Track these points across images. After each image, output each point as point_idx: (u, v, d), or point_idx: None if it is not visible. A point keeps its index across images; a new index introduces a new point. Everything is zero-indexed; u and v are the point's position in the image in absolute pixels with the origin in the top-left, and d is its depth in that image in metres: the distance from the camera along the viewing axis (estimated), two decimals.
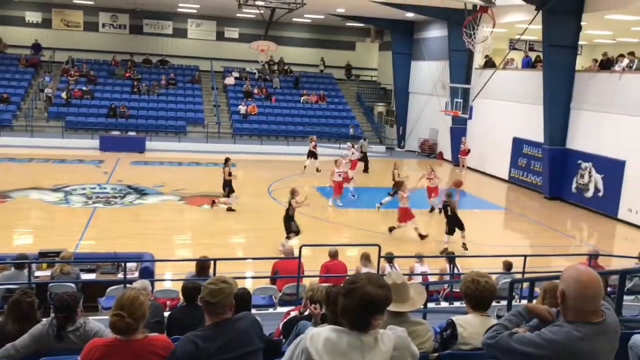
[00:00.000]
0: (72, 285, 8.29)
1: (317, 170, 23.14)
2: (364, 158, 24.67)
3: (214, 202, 16.86)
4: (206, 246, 12.98)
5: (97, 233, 14.11)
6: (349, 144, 24.19)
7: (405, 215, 14.86)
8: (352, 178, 19.46)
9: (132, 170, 22.07)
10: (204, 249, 11.93)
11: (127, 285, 7.71)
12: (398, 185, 15.96)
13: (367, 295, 2.52)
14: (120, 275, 9.09)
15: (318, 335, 2.58)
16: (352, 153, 22.51)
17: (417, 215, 15.33)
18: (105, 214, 15.92)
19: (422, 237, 14.91)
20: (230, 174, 16.69)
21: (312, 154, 23.62)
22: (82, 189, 18.35)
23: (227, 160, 17.07)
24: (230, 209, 16.71)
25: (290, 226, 13.61)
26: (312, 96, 33.00)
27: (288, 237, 13.35)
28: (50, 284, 8.45)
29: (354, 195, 18.96)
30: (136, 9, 33.87)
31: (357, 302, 2.52)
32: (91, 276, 9.37)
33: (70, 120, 27.73)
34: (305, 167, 23.41)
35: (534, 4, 18.75)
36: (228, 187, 16.74)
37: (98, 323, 4.45)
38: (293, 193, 13.79)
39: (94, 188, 18.63)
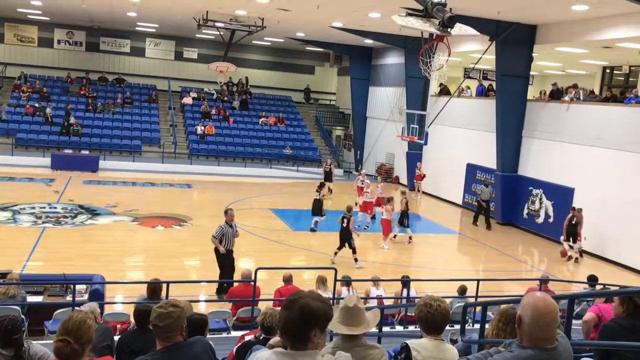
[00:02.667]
0: (17, 308, 7.98)
1: (330, 191, 23.69)
2: (485, 210, 20.56)
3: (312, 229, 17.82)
4: (159, 268, 12.72)
5: (45, 254, 13.67)
6: (363, 171, 22.92)
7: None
8: (357, 204, 19.57)
9: (84, 190, 21.56)
10: (157, 272, 11.68)
11: (75, 308, 7.47)
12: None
13: (307, 307, 2.58)
14: (68, 298, 8.80)
15: (262, 359, 2.66)
16: (362, 182, 21.12)
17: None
18: (55, 234, 15.46)
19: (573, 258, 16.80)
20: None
21: (328, 176, 24.26)
22: (32, 208, 17.81)
23: (322, 184, 18.75)
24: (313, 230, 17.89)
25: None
26: (271, 118, 33.04)
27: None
28: None
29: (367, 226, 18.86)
30: (93, 27, 33.43)
31: (297, 313, 2.57)
32: (38, 298, 9.05)
33: (20, 137, 26.99)
34: (330, 190, 23.75)
35: (488, 35, 19.34)
36: (319, 209, 17.80)
37: (42, 347, 4.30)
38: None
39: (44, 207, 18.10)
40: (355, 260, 14.52)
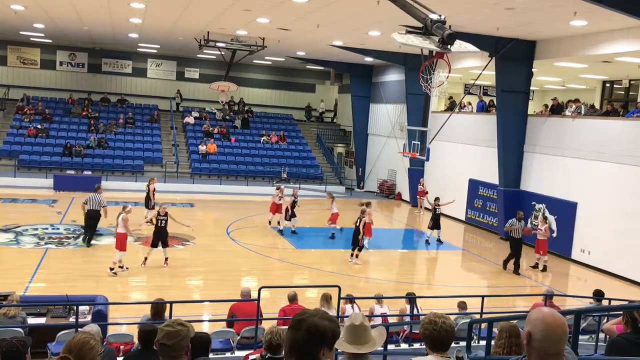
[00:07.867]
0: (20, 330, 7.94)
1: (149, 221, 16.84)
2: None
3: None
4: (162, 288, 12.70)
5: (48, 275, 13.64)
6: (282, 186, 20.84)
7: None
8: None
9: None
10: (160, 292, 11.68)
11: (79, 329, 7.43)
12: None
13: (314, 326, 2.53)
14: (71, 319, 8.76)
15: None
16: (280, 198, 19.82)
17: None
18: (58, 255, 15.44)
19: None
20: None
21: (148, 201, 19.98)
22: (34, 230, 17.80)
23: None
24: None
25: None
26: (272, 136, 33.14)
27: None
28: None
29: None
30: (95, 48, 33.69)
31: (304, 333, 2.52)
32: (41, 320, 9.00)
33: (23, 158, 27.08)
34: (151, 220, 16.34)
35: (488, 51, 19.44)
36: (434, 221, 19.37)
37: None
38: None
39: (47, 228, 18.09)
40: (356, 256, 16.33)
